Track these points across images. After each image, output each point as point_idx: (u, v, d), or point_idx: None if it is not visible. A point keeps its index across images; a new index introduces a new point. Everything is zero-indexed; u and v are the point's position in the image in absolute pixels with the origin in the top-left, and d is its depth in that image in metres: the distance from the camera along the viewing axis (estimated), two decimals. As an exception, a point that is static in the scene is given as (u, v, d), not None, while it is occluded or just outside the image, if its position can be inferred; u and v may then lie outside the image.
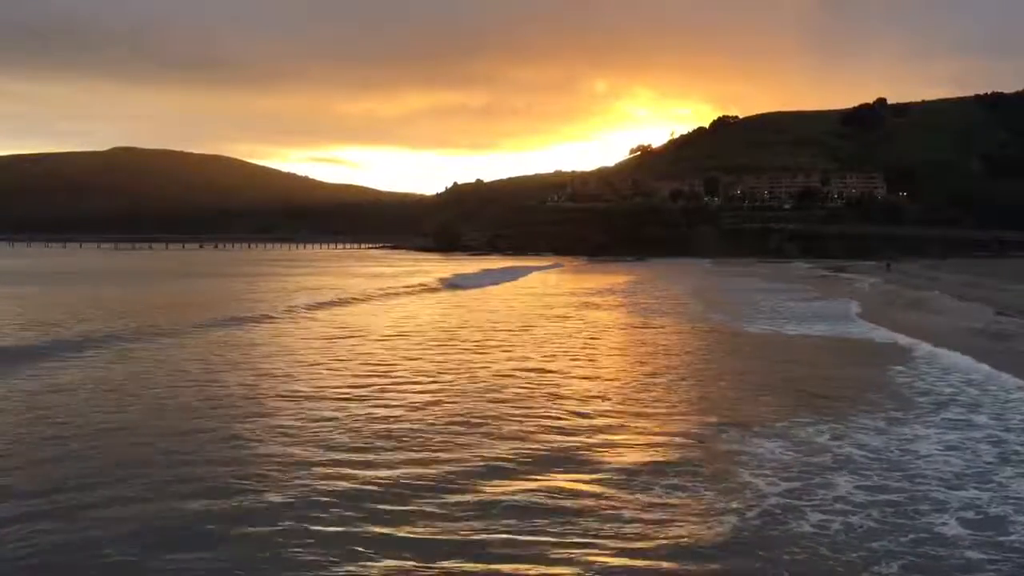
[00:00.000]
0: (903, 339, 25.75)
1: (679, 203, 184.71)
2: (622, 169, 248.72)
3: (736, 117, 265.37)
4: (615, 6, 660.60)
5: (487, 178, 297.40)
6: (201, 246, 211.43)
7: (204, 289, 52.36)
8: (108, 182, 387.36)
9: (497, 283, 61.46)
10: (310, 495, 10.07)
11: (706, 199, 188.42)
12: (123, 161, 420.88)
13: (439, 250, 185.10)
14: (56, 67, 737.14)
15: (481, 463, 11.51)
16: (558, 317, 34.68)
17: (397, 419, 14.26)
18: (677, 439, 12.92)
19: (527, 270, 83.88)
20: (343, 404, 15.52)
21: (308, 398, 16.04)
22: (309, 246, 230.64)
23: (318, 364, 20.50)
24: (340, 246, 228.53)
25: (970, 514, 9.58)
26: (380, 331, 28.15)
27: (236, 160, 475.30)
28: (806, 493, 10.25)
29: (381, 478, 10.75)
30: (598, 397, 16.50)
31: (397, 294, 47.80)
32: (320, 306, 37.53)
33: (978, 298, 42.78)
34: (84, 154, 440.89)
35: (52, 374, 18.35)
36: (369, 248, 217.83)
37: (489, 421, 14.11)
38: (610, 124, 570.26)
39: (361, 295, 45.44)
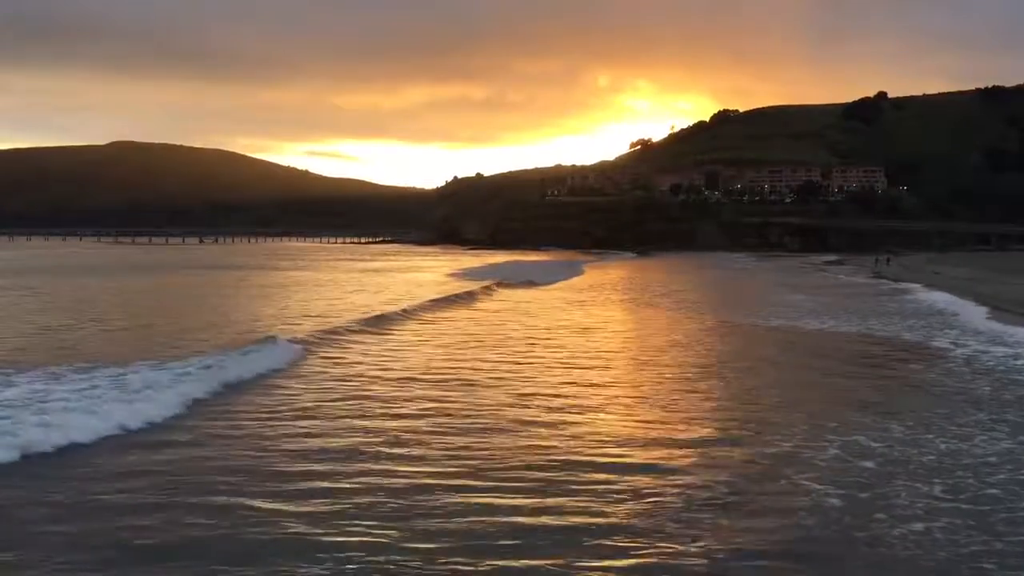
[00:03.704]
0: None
1: (679, 197, 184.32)
2: (622, 163, 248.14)
3: (737, 111, 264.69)
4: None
5: (487, 172, 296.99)
6: (201, 240, 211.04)
7: (299, 281, 53.58)
8: (107, 176, 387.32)
9: (567, 278, 59.80)
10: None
11: (706, 193, 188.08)
12: (122, 155, 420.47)
13: (440, 244, 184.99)
14: (55, 61, 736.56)
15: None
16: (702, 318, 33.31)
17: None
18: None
19: (576, 263, 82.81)
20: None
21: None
22: (309, 240, 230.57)
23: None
24: (340, 240, 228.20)
25: None
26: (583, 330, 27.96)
27: (235, 154, 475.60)
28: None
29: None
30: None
31: (493, 291, 45.67)
32: (439, 303, 36.35)
33: (975, 293, 42.75)
34: (83, 148, 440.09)
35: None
36: (369, 243, 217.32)
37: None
38: (611, 118, 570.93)
39: (458, 292, 43.03)
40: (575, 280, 59.51)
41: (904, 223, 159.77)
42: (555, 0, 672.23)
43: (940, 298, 40.39)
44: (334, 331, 24.75)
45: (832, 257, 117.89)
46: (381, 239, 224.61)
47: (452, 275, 61.57)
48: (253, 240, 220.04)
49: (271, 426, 13.26)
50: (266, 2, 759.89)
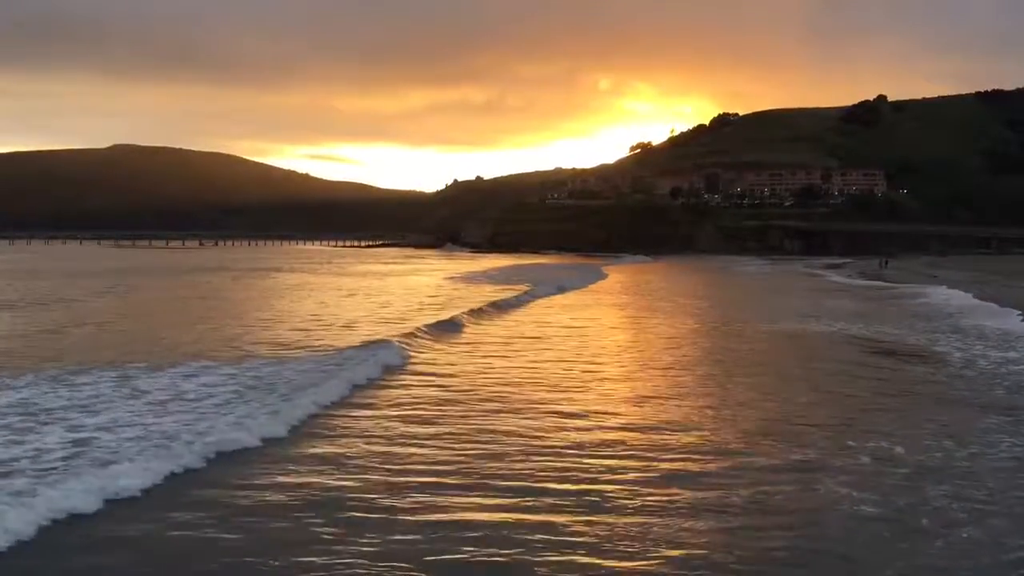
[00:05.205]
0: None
1: (679, 200, 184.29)
2: (622, 166, 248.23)
3: (737, 114, 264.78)
4: (617, 2, 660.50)
5: (487, 175, 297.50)
6: (201, 243, 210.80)
7: (343, 286, 53.60)
8: (108, 179, 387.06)
9: (594, 282, 58.86)
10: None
11: (706, 196, 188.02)
12: (123, 158, 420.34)
13: (438, 247, 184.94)
14: (56, 64, 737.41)
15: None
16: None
17: None
18: None
19: (592, 267, 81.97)
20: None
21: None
22: (310, 243, 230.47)
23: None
24: (340, 244, 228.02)
25: None
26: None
27: (236, 157, 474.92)
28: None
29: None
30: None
31: (534, 294, 44.10)
32: (497, 307, 36.21)
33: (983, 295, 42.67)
34: (84, 151, 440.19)
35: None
36: (369, 246, 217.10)
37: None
38: (611, 121, 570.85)
39: (507, 297, 41.33)
40: (602, 283, 58.64)
41: (904, 226, 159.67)
42: (555, 3, 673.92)
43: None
44: (413, 333, 25.19)
45: (835, 260, 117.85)
46: (381, 242, 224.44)
47: (474, 280, 59.49)
48: (253, 243, 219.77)
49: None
50: (266, 6, 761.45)
